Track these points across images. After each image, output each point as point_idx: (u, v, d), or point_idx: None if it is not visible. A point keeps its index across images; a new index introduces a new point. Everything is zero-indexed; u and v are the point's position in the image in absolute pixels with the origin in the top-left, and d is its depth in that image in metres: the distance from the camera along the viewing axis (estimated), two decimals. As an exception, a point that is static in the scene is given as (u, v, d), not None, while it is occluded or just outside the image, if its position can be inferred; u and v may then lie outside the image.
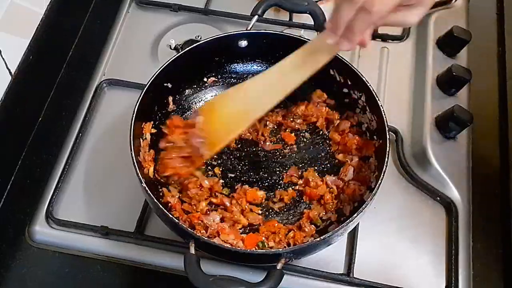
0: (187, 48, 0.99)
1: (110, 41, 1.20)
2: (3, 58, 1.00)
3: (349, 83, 1.01)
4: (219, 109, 0.92)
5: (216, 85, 1.09)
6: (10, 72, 1.02)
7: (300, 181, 1.00)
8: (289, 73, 0.87)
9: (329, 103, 1.06)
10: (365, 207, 0.84)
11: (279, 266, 0.81)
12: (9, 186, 1.05)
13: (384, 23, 0.75)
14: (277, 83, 0.88)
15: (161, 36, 1.21)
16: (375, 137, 0.97)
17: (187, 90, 1.07)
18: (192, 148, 0.90)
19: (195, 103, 1.08)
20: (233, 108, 0.91)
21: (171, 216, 0.84)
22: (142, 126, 0.98)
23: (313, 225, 0.94)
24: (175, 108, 1.05)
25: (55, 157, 1.06)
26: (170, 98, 1.04)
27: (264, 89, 0.89)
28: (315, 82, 1.01)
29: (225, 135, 0.91)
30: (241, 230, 0.94)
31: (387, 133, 0.91)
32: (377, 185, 0.86)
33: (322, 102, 1.05)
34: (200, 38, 1.18)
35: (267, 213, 0.97)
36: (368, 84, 0.95)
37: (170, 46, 1.19)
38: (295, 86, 0.87)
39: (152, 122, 1.00)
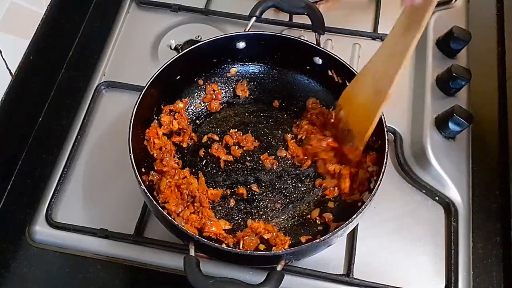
0: (187, 49, 0.99)
1: (110, 41, 1.20)
2: (3, 58, 1.00)
3: (348, 84, 1.00)
4: (356, 97, 0.94)
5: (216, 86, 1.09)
6: (10, 72, 1.02)
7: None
8: (401, 38, 0.87)
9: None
10: (365, 207, 0.84)
11: (279, 267, 0.81)
12: (9, 186, 1.05)
13: None
14: (394, 51, 0.88)
15: (161, 36, 1.21)
16: (373, 138, 0.96)
17: (186, 91, 1.07)
18: (345, 142, 0.93)
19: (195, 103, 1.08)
20: (368, 90, 0.91)
21: (170, 218, 0.84)
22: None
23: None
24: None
25: (55, 157, 1.06)
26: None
27: (386, 60, 0.89)
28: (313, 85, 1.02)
29: (368, 121, 0.91)
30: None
31: (386, 134, 0.91)
32: (376, 185, 0.86)
33: (318, 107, 1.05)
34: (200, 38, 1.18)
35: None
36: (368, 85, 0.95)
37: (170, 46, 1.19)
38: (411, 48, 0.86)
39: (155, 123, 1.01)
